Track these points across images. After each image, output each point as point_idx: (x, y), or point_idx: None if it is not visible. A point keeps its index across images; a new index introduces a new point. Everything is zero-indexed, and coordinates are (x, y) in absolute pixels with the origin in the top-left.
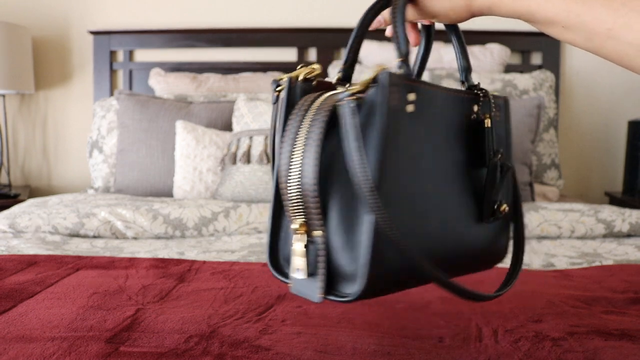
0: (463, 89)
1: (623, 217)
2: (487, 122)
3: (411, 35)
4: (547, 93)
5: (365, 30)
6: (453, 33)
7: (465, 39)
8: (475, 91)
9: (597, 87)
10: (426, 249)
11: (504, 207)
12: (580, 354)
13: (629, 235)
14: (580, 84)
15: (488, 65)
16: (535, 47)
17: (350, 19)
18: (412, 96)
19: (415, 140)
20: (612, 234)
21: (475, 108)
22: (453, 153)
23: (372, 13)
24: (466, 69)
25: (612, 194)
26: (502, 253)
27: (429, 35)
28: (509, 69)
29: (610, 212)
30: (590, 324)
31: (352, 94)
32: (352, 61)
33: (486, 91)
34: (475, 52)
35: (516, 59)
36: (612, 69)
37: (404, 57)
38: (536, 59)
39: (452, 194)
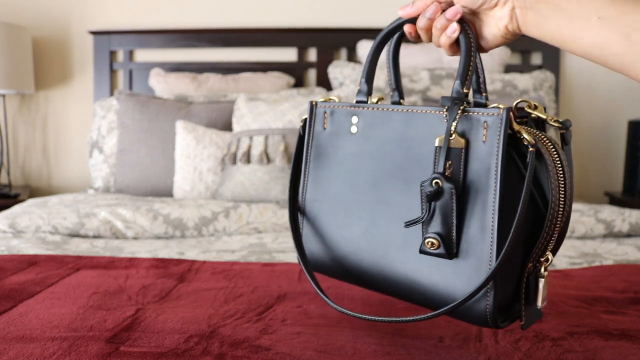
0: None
1: (623, 217)
2: (437, 141)
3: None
4: (547, 93)
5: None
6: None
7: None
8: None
9: (597, 87)
10: (340, 260)
11: (429, 241)
12: (580, 354)
13: (629, 235)
14: (580, 84)
15: (488, 66)
16: (535, 47)
17: (350, 19)
18: (354, 119)
19: (356, 159)
20: (612, 234)
21: (453, 127)
22: (408, 174)
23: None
24: (472, 81)
25: (612, 194)
26: (452, 301)
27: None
28: (509, 69)
29: (610, 212)
30: (590, 324)
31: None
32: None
33: (452, 106)
34: None
35: (516, 59)
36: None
37: (360, 85)
38: (536, 59)
39: (392, 216)
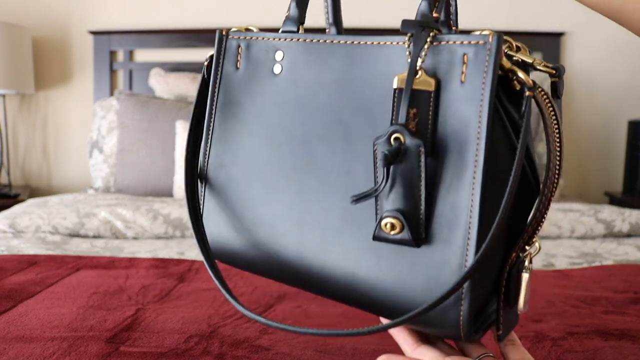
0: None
1: (623, 217)
2: (396, 82)
3: None
4: None
5: None
6: None
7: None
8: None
9: (597, 87)
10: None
11: (388, 222)
12: (580, 354)
13: (629, 235)
14: (580, 84)
15: None
16: (535, 47)
17: (350, 19)
18: (279, 55)
19: (279, 110)
20: (612, 234)
21: (420, 62)
22: (351, 129)
23: None
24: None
25: (612, 194)
26: (408, 306)
27: None
28: None
29: (610, 212)
30: (590, 324)
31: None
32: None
33: (418, 33)
34: None
35: None
36: (612, 69)
37: (288, 9)
38: None
39: (329, 187)
